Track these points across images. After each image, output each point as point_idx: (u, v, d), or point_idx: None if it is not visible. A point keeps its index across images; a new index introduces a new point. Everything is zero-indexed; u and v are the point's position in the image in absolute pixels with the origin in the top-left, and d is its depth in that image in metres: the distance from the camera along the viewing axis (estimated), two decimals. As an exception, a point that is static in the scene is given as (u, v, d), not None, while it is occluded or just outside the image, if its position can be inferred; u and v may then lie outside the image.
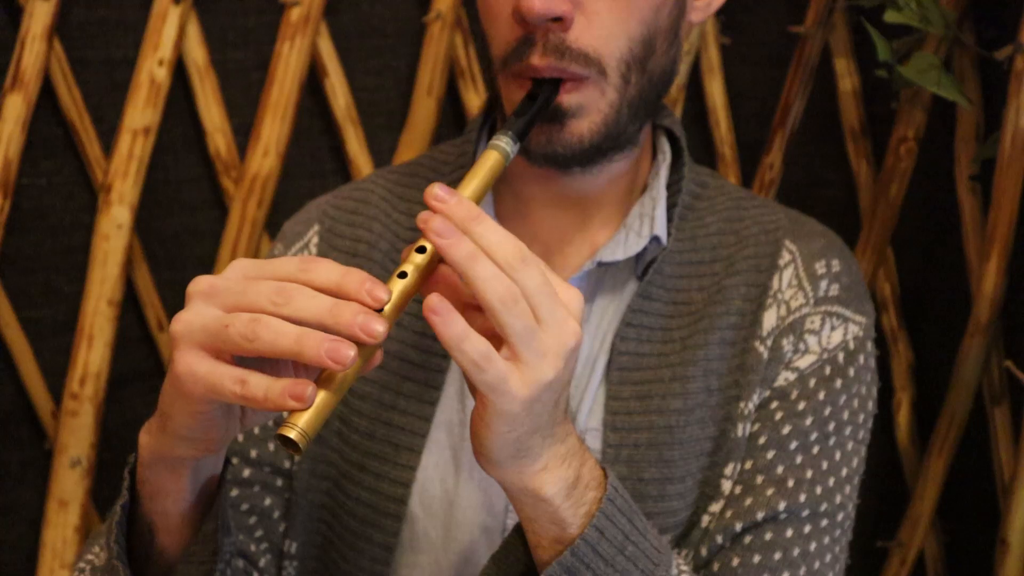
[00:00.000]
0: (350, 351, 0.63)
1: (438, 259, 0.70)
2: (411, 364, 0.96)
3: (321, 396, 0.65)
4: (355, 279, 0.66)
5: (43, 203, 1.34)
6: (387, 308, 0.67)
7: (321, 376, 0.67)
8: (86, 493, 1.38)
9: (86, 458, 1.37)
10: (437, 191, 0.68)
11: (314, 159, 1.45)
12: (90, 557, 0.85)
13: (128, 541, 0.80)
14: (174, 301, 1.43)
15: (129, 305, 1.40)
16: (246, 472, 0.98)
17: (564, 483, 0.74)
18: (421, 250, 0.70)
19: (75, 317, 1.36)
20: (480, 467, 0.74)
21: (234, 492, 0.98)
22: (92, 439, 1.37)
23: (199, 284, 0.69)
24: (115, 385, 1.40)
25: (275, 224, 1.40)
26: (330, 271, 0.67)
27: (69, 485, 1.37)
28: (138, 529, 0.80)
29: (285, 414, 0.65)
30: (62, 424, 1.36)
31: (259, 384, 0.64)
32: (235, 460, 0.98)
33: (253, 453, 0.98)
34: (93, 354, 1.35)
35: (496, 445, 0.70)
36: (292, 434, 0.64)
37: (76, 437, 1.36)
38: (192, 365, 0.67)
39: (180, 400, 0.69)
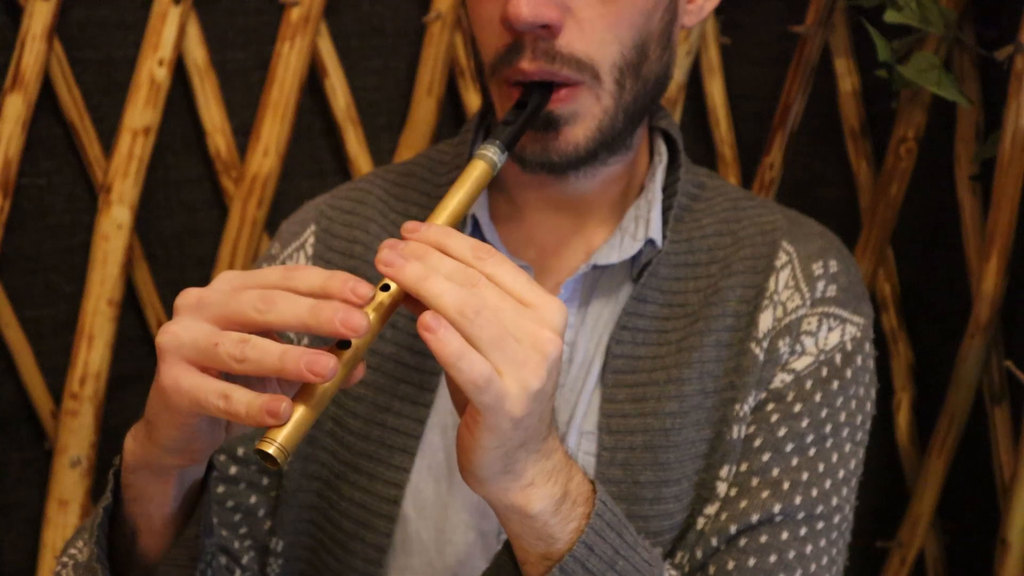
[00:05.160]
0: (329, 363, 0.64)
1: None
2: (406, 367, 0.96)
3: (300, 411, 0.66)
4: (338, 280, 0.67)
5: (43, 203, 1.35)
6: (371, 317, 0.67)
7: (300, 391, 0.67)
8: (86, 493, 1.38)
9: (86, 458, 1.37)
10: (409, 225, 0.70)
11: (314, 159, 1.45)
12: (73, 551, 0.85)
13: (111, 540, 0.80)
14: (174, 301, 1.43)
15: (129, 305, 1.40)
16: (233, 469, 0.98)
17: (551, 499, 0.73)
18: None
19: (75, 317, 1.36)
20: (466, 484, 0.73)
21: (220, 489, 0.98)
22: (92, 439, 1.37)
23: (187, 297, 0.70)
24: (115, 385, 1.40)
25: (275, 224, 1.39)
26: (313, 275, 0.68)
27: (69, 485, 1.37)
28: (121, 530, 0.80)
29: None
30: (62, 424, 1.36)
31: (241, 399, 0.65)
32: (222, 457, 0.98)
33: (240, 451, 0.98)
34: (93, 354, 1.36)
35: (484, 461, 0.70)
36: (271, 449, 0.64)
37: (76, 437, 1.36)
38: (178, 379, 0.67)
39: (165, 412, 0.69)
